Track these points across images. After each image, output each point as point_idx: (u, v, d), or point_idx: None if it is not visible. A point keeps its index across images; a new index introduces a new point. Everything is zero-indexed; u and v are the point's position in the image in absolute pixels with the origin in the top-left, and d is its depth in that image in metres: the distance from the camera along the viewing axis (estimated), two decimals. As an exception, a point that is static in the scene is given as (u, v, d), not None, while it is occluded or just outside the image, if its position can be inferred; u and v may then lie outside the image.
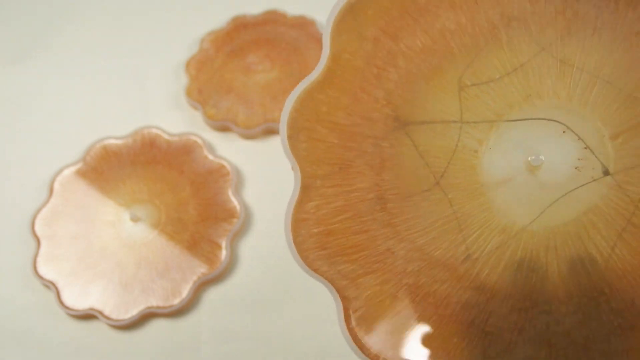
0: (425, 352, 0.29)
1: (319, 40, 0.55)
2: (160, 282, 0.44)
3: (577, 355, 0.28)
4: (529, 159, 0.30)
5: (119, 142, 0.51)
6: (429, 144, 0.31)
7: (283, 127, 0.32)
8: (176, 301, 0.43)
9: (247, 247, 0.46)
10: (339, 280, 0.31)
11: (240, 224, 0.46)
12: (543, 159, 0.29)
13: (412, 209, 0.30)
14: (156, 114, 0.54)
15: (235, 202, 0.47)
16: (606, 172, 0.29)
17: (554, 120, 0.30)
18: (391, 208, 0.30)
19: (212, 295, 0.44)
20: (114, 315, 0.43)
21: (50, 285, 0.44)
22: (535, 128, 0.30)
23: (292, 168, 0.32)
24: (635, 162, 0.29)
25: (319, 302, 0.43)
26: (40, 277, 0.44)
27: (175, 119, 0.53)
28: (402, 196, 0.30)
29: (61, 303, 0.43)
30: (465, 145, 0.30)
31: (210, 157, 0.49)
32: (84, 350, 0.43)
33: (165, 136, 0.51)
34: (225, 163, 0.49)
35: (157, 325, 0.43)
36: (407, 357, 0.29)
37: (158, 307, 0.43)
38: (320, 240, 0.31)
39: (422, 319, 0.29)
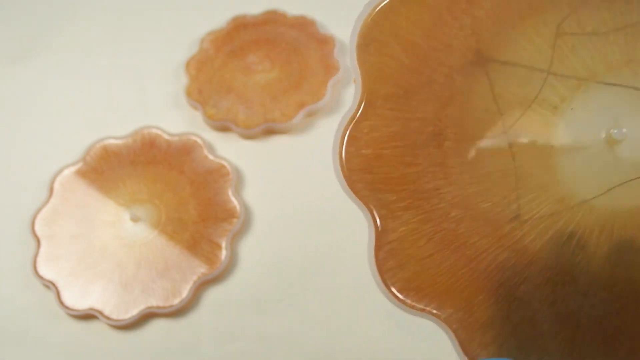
0: (447, 302, 0.28)
1: (319, 40, 0.55)
2: (160, 282, 0.44)
3: (602, 344, 0.27)
4: (612, 131, 0.27)
5: (119, 142, 0.51)
6: (507, 88, 0.28)
7: (354, 35, 0.29)
8: (176, 301, 0.43)
9: (247, 247, 0.46)
10: (378, 208, 0.29)
11: (240, 224, 0.46)
12: (626, 133, 0.27)
13: (471, 154, 0.28)
14: (156, 114, 0.54)
15: (235, 202, 0.47)
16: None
17: None
18: (448, 147, 0.28)
19: (212, 295, 0.44)
20: (114, 315, 0.43)
21: (50, 285, 0.44)
22: (627, 97, 0.27)
23: (354, 80, 0.30)
24: None
25: (320, 302, 0.43)
26: (40, 277, 0.44)
27: (175, 119, 0.53)
28: (462, 137, 0.28)
29: (61, 303, 0.43)
30: (546, 99, 0.28)
31: (210, 157, 0.49)
32: (84, 350, 0.43)
33: (165, 136, 0.51)
34: (225, 163, 0.49)
35: (157, 325, 0.43)
36: (428, 303, 0.28)
37: (158, 307, 0.43)
38: (368, 163, 0.29)
39: (453, 268, 0.28)
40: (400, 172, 0.29)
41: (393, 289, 0.28)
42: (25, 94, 0.57)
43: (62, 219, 0.47)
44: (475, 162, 0.28)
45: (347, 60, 0.30)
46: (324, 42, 0.55)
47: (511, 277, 0.27)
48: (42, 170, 0.50)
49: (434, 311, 0.28)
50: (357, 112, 0.29)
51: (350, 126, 0.29)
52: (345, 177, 0.29)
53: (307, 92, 0.52)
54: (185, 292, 0.43)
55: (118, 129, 0.52)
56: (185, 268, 0.44)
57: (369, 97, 0.29)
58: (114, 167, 0.49)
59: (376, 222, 0.28)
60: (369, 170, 0.29)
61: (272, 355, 0.42)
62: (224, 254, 0.45)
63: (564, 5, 0.28)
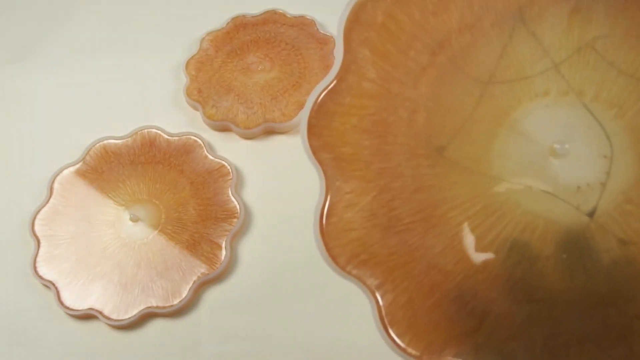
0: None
1: (319, 40, 0.55)
2: (160, 282, 0.44)
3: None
4: (556, 145, 0.29)
5: (118, 142, 0.51)
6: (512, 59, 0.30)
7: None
8: (176, 301, 0.43)
9: (247, 247, 0.46)
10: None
11: (240, 224, 0.46)
12: (568, 150, 0.29)
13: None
14: (156, 114, 0.54)
15: (235, 202, 0.47)
16: (591, 214, 0.28)
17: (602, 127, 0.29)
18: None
19: (212, 295, 0.44)
20: (113, 315, 0.43)
21: (50, 285, 0.44)
22: (586, 122, 0.29)
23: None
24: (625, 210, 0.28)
25: (320, 302, 0.43)
26: (40, 277, 0.44)
27: (175, 119, 0.53)
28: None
29: (61, 303, 0.43)
30: (536, 84, 0.29)
31: (210, 157, 0.49)
32: (84, 350, 0.43)
33: (165, 136, 0.51)
34: (225, 163, 0.49)
35: (157, 325, 0.43)
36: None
37: (158, 307, 0.43)
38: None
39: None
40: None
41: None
42: (25, 93, 0.57)
43: (62, 219, 0.47)
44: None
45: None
46: (324, 42, 0.55)
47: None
48: (42, 170, 0.50)
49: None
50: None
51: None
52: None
53: (307, 92, 0.52)
54: (185, 292, 0.43)
55: (118, 129, 0.52)
56: (185, 268, 0.44)
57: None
58: (114, 167, 0.49)
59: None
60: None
61: (272, 355, 0.42)
62: (223, 254, 0.45)
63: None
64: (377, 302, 0.30)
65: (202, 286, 0.44)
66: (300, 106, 0.51)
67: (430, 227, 0.30)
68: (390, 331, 0.29)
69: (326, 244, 0.31)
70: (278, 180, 0.49)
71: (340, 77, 0.32)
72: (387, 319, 0.30)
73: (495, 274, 0.29)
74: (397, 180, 0.31)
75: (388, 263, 0.30)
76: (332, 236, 0.31)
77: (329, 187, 0.31)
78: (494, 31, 0.31)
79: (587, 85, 0.30)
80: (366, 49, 0.32)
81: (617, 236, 0.28)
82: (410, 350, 0.29)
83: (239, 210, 0.46)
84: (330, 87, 0.32)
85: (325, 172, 0.31)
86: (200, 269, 0.44)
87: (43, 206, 0.48)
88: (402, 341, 0.29)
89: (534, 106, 0.30)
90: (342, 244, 0.31)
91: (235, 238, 0.46)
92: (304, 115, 0.31)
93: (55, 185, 0.49)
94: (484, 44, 0.31)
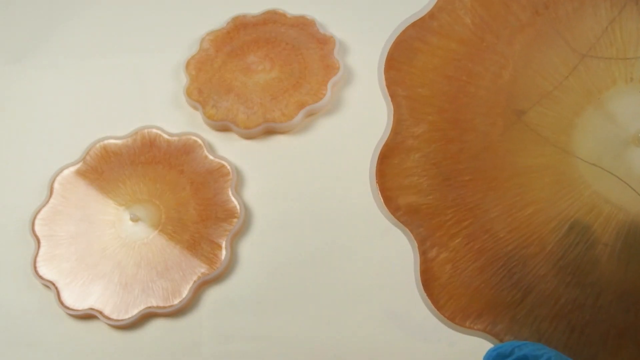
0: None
1: (319, 40, 0.55)
2: (160, 282, 0.44)
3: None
4: None
5: (119, 142, 0.51)
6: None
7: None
8: (176, 301, 0.43)
9: (247, 247, 0.46)
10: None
11: (240, 224, 0.46)
12: None
13: None
14: (156, 114, 0.54)
15: (235, 202, 0.47)
16: None
17: None
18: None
19: (212, 295, 0.44)
20: (114, 315, 0.43)
21: (50, 285, 0.44)
22: None
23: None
24: None
25: (320, 302, 0.43)
26: (40, 277, 0.44)
27: (175, 119, 0.53)
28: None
29: (61, 303, 0.43)
30: (629, 69, 0.28)
31: (210, 157, 0.49)
32: (84, 350, 0.43)
33: (165, 136, 0.51)
34: (225, 163, 0.49)
35: (157, 325, 0.43)
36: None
37: (158, 307, 0.43)
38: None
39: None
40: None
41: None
42: (25, 93, 0.57)
43: (62, 219, 0.47)
44: None
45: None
46: (324, 42, 0.55)
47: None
48: (42, 170, 0.50)
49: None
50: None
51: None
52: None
53: (307, 92, 0.52)
54: (185, 292, 0.43)
55: (118, 129, 0.52)
56: (185, 268, 0.44)
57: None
58: (114, 167, 0.49)
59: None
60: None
61: (272, 355, 0.42)
62: (224, 254, 0.45)
63: None
64: (420, 254, 0.29)
65: (202, 286, 0.44)
66: (301, 106, 0.51)
67: (491, 189, 0.29)
68: (428, 287, 0.29)
69: (380, 185, 0.29)
70: (278, 180, 0.49)
71: (432, 14, 0.30)
72: (427, 275, 0.29)
73: (548, 250, 0.28)
74: (469, 134, 0.30)
75: (441, 217, 0.29)
76: (388, 177, 0.29)
77: (396, 126, 0.30)
78: (604, 3, 0.29)
79: None
80: None
81: None
82: (445, 309, 0.28)
83: (239, 210, 0.46)
84: (420, 23, 0.30)
85: (395, 109, 0.30)
86: (200, 269, 0.44)
87: (43, 206, 0.48)
88: (439, 299, 0.28)
89: (628, 90, 0.29)
90: (397, 187, 0.29)
91: (235, 238, 0.46)
92: (385, 46, 0.30)
93: (55, 185, 0.49)
94: (590, 14, 0.29)
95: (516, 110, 0.29)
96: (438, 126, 0.30)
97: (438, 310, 0.28)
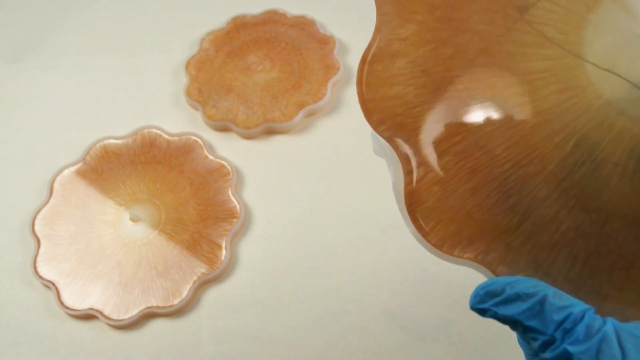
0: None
1: (318, 40, 0.55)
2: (160, 282, 0.44)
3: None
4: None
5: (119, 142, 0.51)
6: None
7: None
8: (176, 301, 0.43)
9: (247, 247, 0.46)
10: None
11: (240, 224, 0.46)
12: None
13: None
14: (156, 114, 0.54)
15: (235, 202, 0.47)
16: None
17: None
18: None
19: (212, 295, 0.44)
20: (114, 315, 0.43)
21: (50, 285, 0.44)
22: None
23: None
24: None
25: (319, 302, 0.43)
26: (40, 277, 0.44)
27: (175, 119, 0.53)
28: None
29: (61, 303, 0.43)
30: None
31: (210, 157, 0.49)
32: (84, 350, 0.43)
33: (165, 136, 0.51)
34: (225, 163, 0.49)
35: (157, 325, 0.43)
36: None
37: (158, 307, 0.43)
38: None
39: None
40: None
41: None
42: (25, 93, 0.57)
43: (62, 219, 0.47)
44: None
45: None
46: (324, 42, 0.55)
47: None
48: (42, 170, 0.50)
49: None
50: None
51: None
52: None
53: (307, 92, 0.52)
54: (185, 292, 0.43)
55: (118, 129, 0.52)
56: (185, 268, 0.44)
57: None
58: (114, 167, 0.49)
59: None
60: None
61: (272, 355, 0.42)
62: (223, 254, 0.45)
63: None
64: (405, 174, 0.25)
65: (202, 286, 0.44)
66: (301, 106, 0.51)
67: (488, 99, 0.25)
68: (413, 211, 0.25)
69: (361, 95, 0.26)
70: (278, 180, 0.49)
71: None
72: (412, 198, 0.25)
73: (550, 170, 0.25)
74: (463, 35, 0.26)
75: (428, 131, 0.25)
76: (371, 87, 0.26)
77: (381, 27, 0.26)
78: None
79: None
80: None
81: None
82: (432, 236, 0.25)
83: (239, 210, 0.46)
84: None
85: (379, 8, 0.26)
86: (200, 269, 0.44)
87: (43, 206, 0.48)
88: (425, 224, 0.25)
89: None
90: (381, 98, 0.26)
91: (235, 238, 0.46)
92: None
93: (55, 185, 0.49)
94: None
95: (518, 6, 0.26)
96: (428, 26, 0.26)
97: (424, 237, 0.25)
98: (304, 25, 0.56)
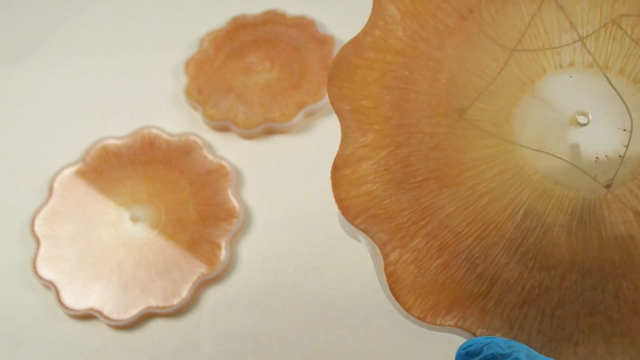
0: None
1: (319, 40, 0.55)
2: (160, 282, 0.44)
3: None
4: (578, 117, 0.29)
5: (119, 142, 0.51)
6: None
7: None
8: (176, 301, 0.43)
9: (247, 247, 0.46)
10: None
11: (240, 224, 0.46)
12: (589, 121, 0.29)
13: None
14: (156, 114, 0.54)
15: (235, 202, 0.47)
16: (608, 185, 0.29)
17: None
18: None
19: (212, 295, 0.44)
20: (113, 315, 0.43)
21: (50, 286, 0.44)
22: (609, 97, 0.30)
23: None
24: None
25: (319, 302, 0.43)
26: (40, 277, 0.44)
27: (175, 119, 0.53)
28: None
29: (61, 303, 0.43)
30: (562, 54, 0.31)
31: (210, 157, 0.49)
32: (84, 350, 0.43)
33: (165, 136, 0.51)
34: (225, 163, 0.49)
35: (157, 325, 0.43)
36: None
37: (158, 307, 0.43)
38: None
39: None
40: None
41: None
42: (25, 93, 0.57)
43: (62, 219, 0.47)
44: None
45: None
46: (324, 42, 0.55)
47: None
48: (42, 170, 0.50)
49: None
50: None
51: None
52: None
53: (306, 92, 0.52)
54: (184, 292, 0.43)
55: (118, 129, 0.52)
56: (185, 268, 0.44)
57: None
58: (114, 167, 0.49)
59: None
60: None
61: (272, 355, 0.42)
62: (223, 254, 0.45)
63: None
64: (384, 258, 0.29)
65: (202, 286, 0.44)
66: (301, 106, 0.51)
67: (444, 186, 0.30)
68: (395, 290, 0.29)
69: (337, 195, 0.30)
70: (278, 180, 0.49)
71: (365, 31, 0.32)
72: (393, 277, 0.29)
73: (507, 238, 0.29)
74: (415, 137, 0.31)
75: (398, 219, 0.30)
76: (343, 188, 0.30)
77: (345, 139, 0.31)
78: (523, 1, 0.32)
79: (612, 60, 0.31)
80: (395, 7, 0.33)
81: (634, 208, 0.28)
82: (415, 310, 0.29)
83: (239, 210, 0.46)
84: (355, 41, 0.32)
85: (342, 123, 0.31)
86: (200, 269, 0.44)
87: (43, 206, 0.48)
88: (407, 300, 0.29)
89: (558, 76, 0.31)
90: (353, 196, 0.30)
91: (235, 238, 0.46)
92: (330, 67, 0.33)
93: (55, 185, 0.49)
94: (512, 12, 0.32)
95: (457, 109, 0.31)
96: (385, 134, 0.31)
97: (407, 311, 0.29)
98: (304, 25, 0.56)
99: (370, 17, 0.33)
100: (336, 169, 0.31)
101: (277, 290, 0.44)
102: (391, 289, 0.29)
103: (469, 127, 0.31)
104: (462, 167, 0.30)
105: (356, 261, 0.45)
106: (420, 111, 0.31)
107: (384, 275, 0.29)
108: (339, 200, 0.30)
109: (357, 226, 0.30)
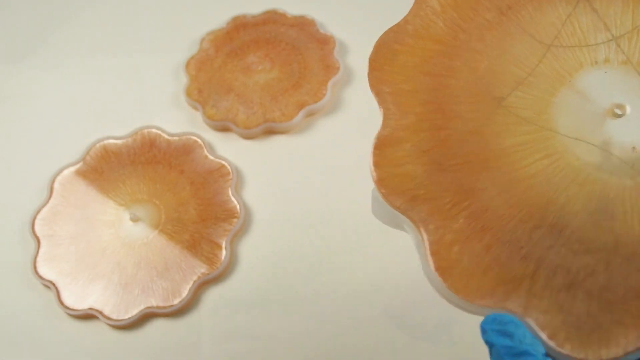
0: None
1: (319, 40, 0.55)
2: (160, 282, 0.44)
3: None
4: (616, 110, 0.30)
5: (119, 142, 0.51)
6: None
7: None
8: (176, 301, 0.43)
9: (247, 247, 0.46)
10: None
11: (240, 224, 0.46)
12: (628, 113, 0.30)
13: None
14: (156, 114, 0.54)
15: (235, 202, 0.47)
16: None
17: None
18: None
19: (212, 295, 0.44)
20: (114, 315, 0.43)
21: (50, 285, 0.44)
22: None
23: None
24: None
25: (320, 302, 0.43)
26: (40, 277, 0.44)
27: (175, 119, 0.53)
28: None
29: (61, 303, 0.43)
30: (598, 51, 0.32)
31: (210, 157, 0.49)
32: (84, 350, 0.43)
33: (165, 136, 0.51)
34: (225, 163, 0.49)
35: (157, 325, 0.43)
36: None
37: (158, 307, 0.43)
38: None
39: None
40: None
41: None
42: (25, 93, 0.57)
43: (62, 219, 0.47)
44: None
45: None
46: (324, 42, 0.55)
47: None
48: (42, 170, 0.50)
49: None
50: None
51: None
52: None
53: (307, 92, 0.52)
54: (185, 292, 0.43)
55: (118, 129, 0.52)
56: (185, 268, 0.44)
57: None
58: (114, 167, 0.49)
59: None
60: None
61: (272, 355, 0.42)
62: (223, 254, 0.45)
63: None
64: (427, 238, 0.29)
65: (202, 286, 0.44)
66: (300, 106, 0.51)
67: (484, 169, 0.31)
68: (440, 271, 0.29)
69: (378, 175, 0.31)
70: (278, 180, 0.49)
71: (407, 20, 0.34)
72: (437, 257, 0.29)
73: (550, 222, 0.29)
74: (454, 122, 0.32)
75: (439, 201, 0.30)
76: (384, 169, 0.31)
77: (386, 121, 0.32)
78: (560, 1, 0.34)
79: None
80: (436, 0, 0.34)
81: None
82: (460, 291, 0.28)
83: (239, 210, 0.46)
84: (396, 28, 0.34)
85: (382, 105, 0.32)
86: (200, 269, 0.44)
87: (43, 206, 0.48)
88: (453, 282, 0.29)
89: (594, 71, 0.32)
90: (393, 176, 0.31)
91: (235, 238, 0.46)
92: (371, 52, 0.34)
93: (55, 185, 0.49)
94: (549, 11, 0.33)
95: (496, 97, 0.32)
96: (424, 117, 0.32)
97: (455, 293, 0.28)
98: (304, 25, 0.56)
99: (412, 8, 0.34)
100: (377, 148, 0.31)
101: (277, 290, 0.44)
102: (436, 269, 0.29)
103: (507, 114, 0.31)
104: (502, 151, 0.31)
105: (356, 261, 0.45)
106: (459, 97, 0.32)
107: (428, 256, 0.29)
108: (380, 180, 0.30)
109: (397, 208, 0.30)
